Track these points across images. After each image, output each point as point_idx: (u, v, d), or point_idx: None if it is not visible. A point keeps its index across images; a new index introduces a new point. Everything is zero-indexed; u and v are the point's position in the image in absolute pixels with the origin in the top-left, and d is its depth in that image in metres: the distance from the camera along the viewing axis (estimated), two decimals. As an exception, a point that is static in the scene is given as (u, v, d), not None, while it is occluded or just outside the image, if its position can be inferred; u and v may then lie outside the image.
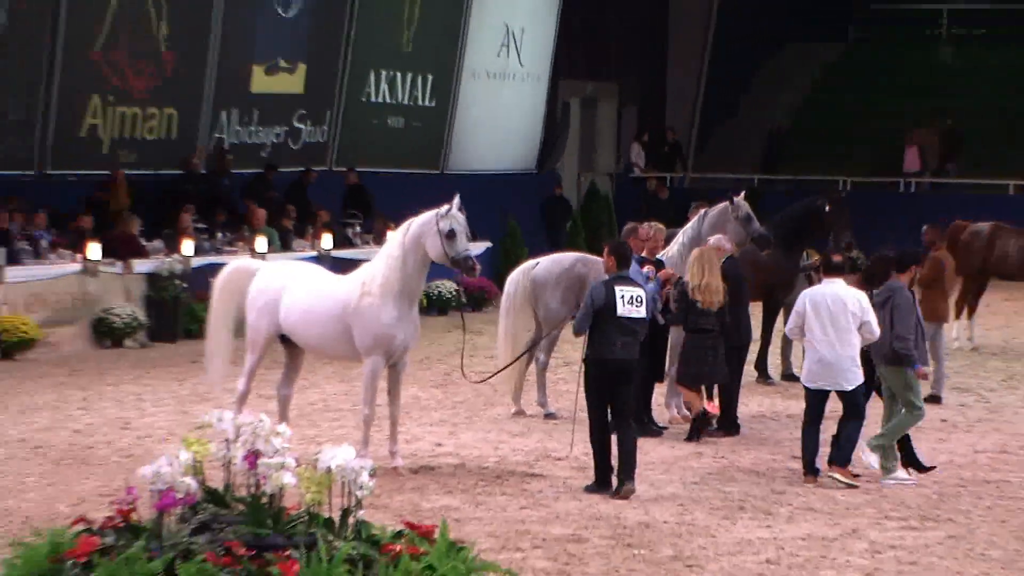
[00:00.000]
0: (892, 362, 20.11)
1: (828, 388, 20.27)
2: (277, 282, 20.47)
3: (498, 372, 23.46)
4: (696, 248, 23.14)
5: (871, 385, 20.70)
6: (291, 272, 20.92)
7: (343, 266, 25.59)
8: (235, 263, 22.32)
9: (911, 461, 20.62)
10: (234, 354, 21.42)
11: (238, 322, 21.07)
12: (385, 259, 19.89)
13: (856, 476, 20.22)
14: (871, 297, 20.45)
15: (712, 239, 23.95)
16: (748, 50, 53.31)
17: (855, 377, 20.11)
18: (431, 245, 19.49)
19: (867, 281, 21.72)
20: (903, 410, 20.37)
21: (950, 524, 18.44)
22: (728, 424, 23.38)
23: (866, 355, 20.44)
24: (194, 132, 37.59)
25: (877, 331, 20.09)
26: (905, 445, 20.61)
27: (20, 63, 33.62)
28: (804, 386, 20.66)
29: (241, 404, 20.13)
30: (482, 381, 23.47)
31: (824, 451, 20.46)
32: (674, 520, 18.27)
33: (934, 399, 25.92)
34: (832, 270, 20.68)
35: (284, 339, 20.68)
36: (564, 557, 16.47)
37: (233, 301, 20.93)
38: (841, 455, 20.34)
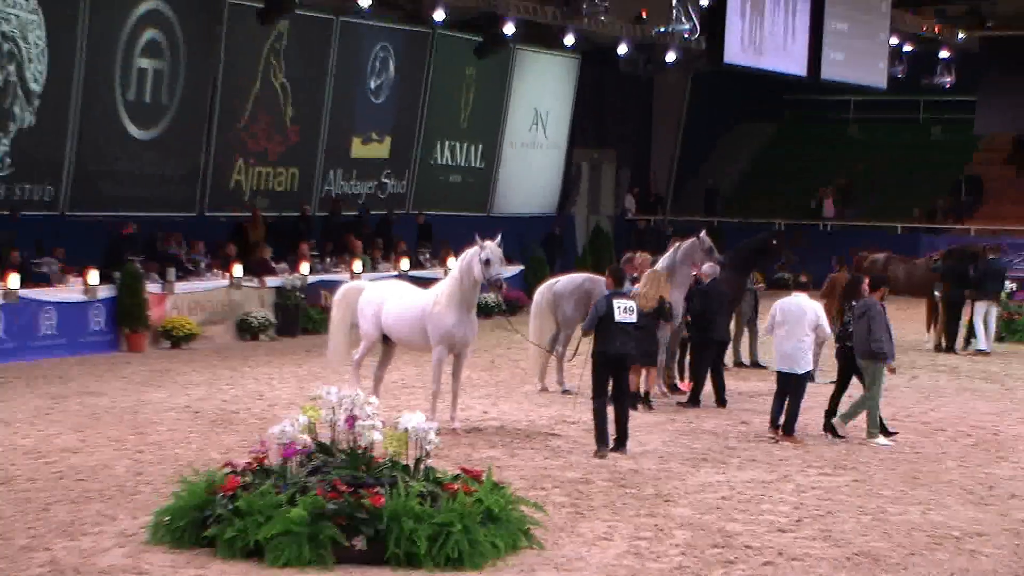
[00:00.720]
0: (868, 357, 20.21)
1: (787, 371, 20.36)
2: (379, 296, 20.98)
3: (573, 355, 23.46)
4: (652, 271, 23.12)
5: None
6: (388, 289, 21.37)
7: (417, 283, 25.81)
8: (347, 284, 23.20)
9: (830, 427, 20.66)
10: (347, 347, 21.63)
11: (351, 325, 21.44)
12: (450, 279, 20.37)
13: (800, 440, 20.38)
14: (852, 309, 20.89)
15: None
16: (710, 127, 53.19)
17: (806, 364, 20.48)
18: (476, 270, 19.82)
19: (846, 297, 22.24)
20: (864, 393, 20.56)
21: (854, 471, 18.41)
22: (693, 400, 23.38)
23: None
24: (310, 185, 37.62)
25: (828, 331, 20.80)
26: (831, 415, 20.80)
27: (186, 135, 33.69)
28: (776, 370, 20.82)
29: (356, 371, 20.86)
30: (571, 359, 23.69)
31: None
32: (655, 468, 18.24)
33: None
34: (798, 287, 21.12)
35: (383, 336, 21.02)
36: (576, 494, 16.46)
37: (348, 310, 21.41)
38: (788, 425, 20.43)
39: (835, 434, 20.56)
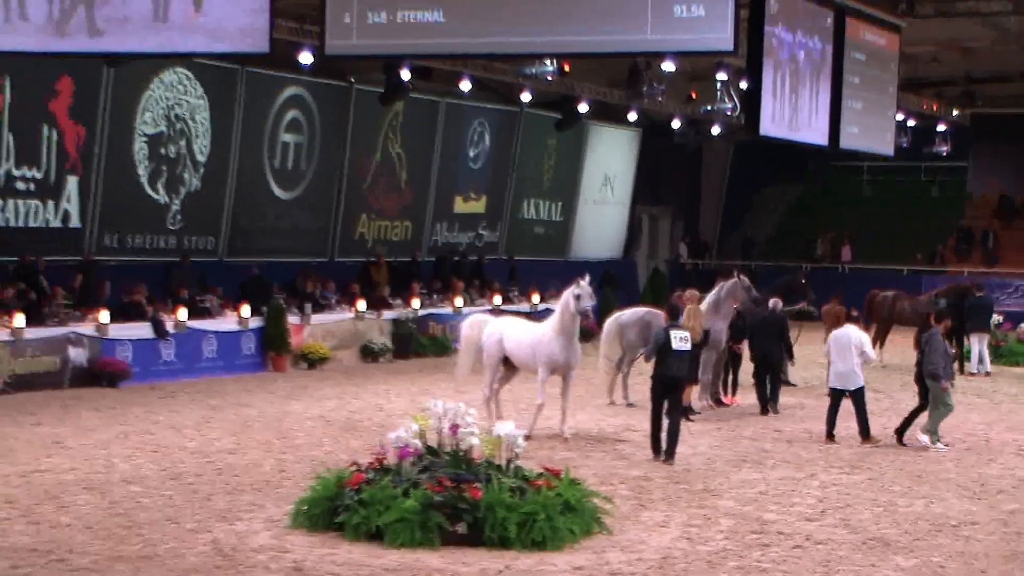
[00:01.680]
0: (932, 378, 20.01)
1: (841, 388, 20.46)
2: (499, 327, 20.86)
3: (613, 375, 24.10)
4: (691, 307, 22.95)
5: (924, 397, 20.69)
6: (506, 322, 21.30)
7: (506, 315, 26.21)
8: (473, 316, 22.50)
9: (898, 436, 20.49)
10: (471, 365, 21.43)
11: (476, 348, 21.20)
12: (555, 313, 20.37)
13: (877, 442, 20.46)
14: (921, 339, 20.76)
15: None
16: (748, 187, 52.96)
17: (857, 382, 20.41)
18: (572, 305, 19.85)
19: (920, 330, 22.25)
20: (939, 407, 20.24)
21: (869, 471, 18.26)
22: (764, 408, 23.61)
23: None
24: (420, 236, 37.75)
25: (872, 356, 21.10)
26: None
27: (320, 195, 33.97)
28: (830, 387, 20.83)
29: (488, 404, 20.48)
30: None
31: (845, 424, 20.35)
32: (703, 467, 18.16)
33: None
34: (849, 320, 21.19)
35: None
36: (638, 489, 16.42)
37: (474, 337, 21.18)
38: (864, 432, 20.51)
39: (900, 442, 20.39)
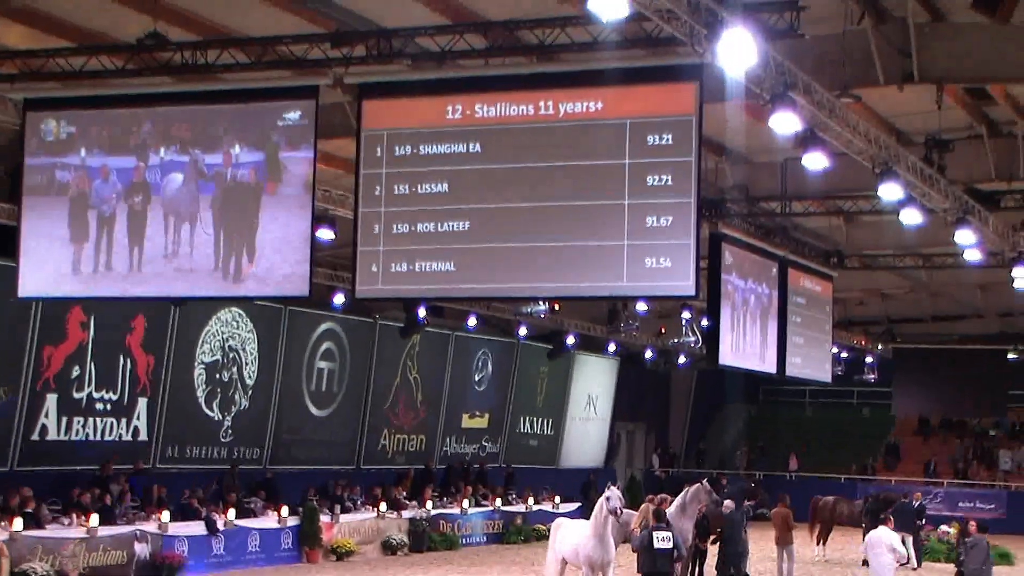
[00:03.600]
0: None
1: None
2: (561, 533, 20.80)
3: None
4: (644, 506, 22.73)
5: None
6: (567, 524, 21.20)
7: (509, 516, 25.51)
8: (557, 520, 22.13)
9: None
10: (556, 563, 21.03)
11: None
12: (592, 516, 20.09)
13: None
14: (964, 544, 20.20)
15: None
16: (710, 407, 52.94)
17: (889, 573, 19.77)
18: (604, 508, 19.66)
19: (961, 535, 21.88)
20: None
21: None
22: None
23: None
24: (432, 447, 37.58)
25: (902, 551, 20.24)
26: None
27: (349, 413, 33.98)
28: None
29: None
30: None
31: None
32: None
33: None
34: (879, 522, 20.73)
35: None
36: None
37: (554, 536, 21.07)
38: None
39: None
